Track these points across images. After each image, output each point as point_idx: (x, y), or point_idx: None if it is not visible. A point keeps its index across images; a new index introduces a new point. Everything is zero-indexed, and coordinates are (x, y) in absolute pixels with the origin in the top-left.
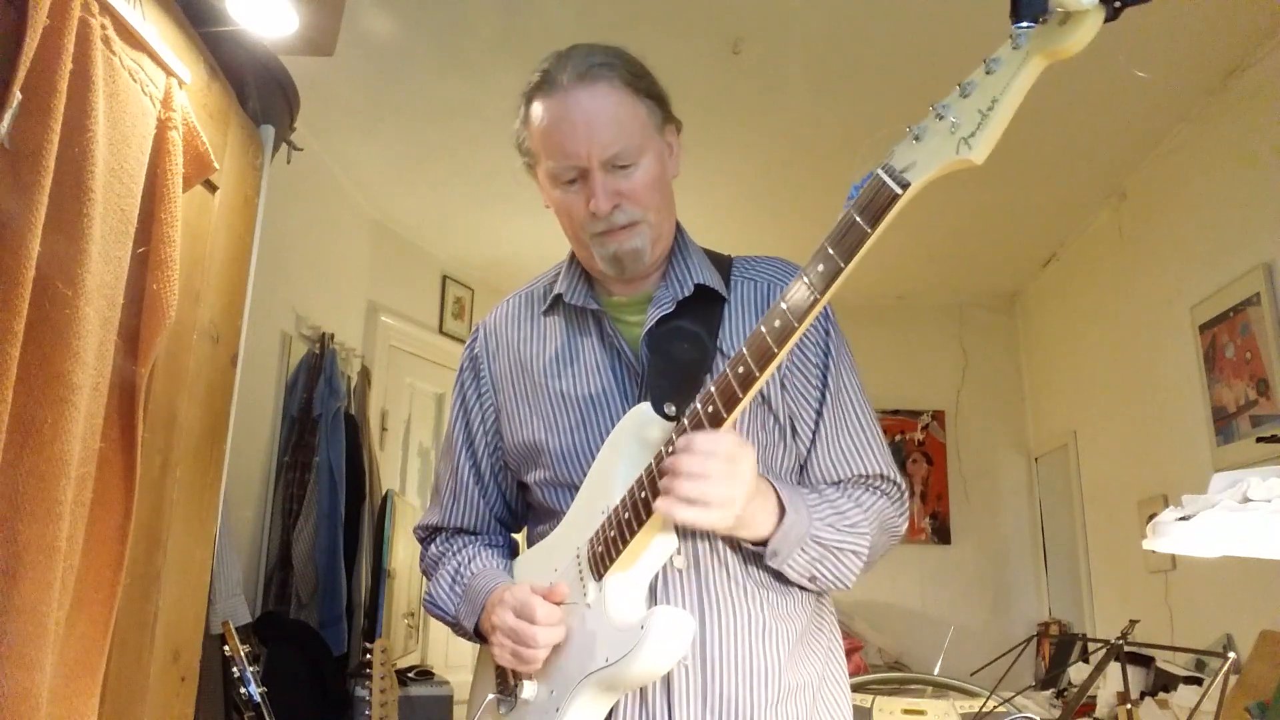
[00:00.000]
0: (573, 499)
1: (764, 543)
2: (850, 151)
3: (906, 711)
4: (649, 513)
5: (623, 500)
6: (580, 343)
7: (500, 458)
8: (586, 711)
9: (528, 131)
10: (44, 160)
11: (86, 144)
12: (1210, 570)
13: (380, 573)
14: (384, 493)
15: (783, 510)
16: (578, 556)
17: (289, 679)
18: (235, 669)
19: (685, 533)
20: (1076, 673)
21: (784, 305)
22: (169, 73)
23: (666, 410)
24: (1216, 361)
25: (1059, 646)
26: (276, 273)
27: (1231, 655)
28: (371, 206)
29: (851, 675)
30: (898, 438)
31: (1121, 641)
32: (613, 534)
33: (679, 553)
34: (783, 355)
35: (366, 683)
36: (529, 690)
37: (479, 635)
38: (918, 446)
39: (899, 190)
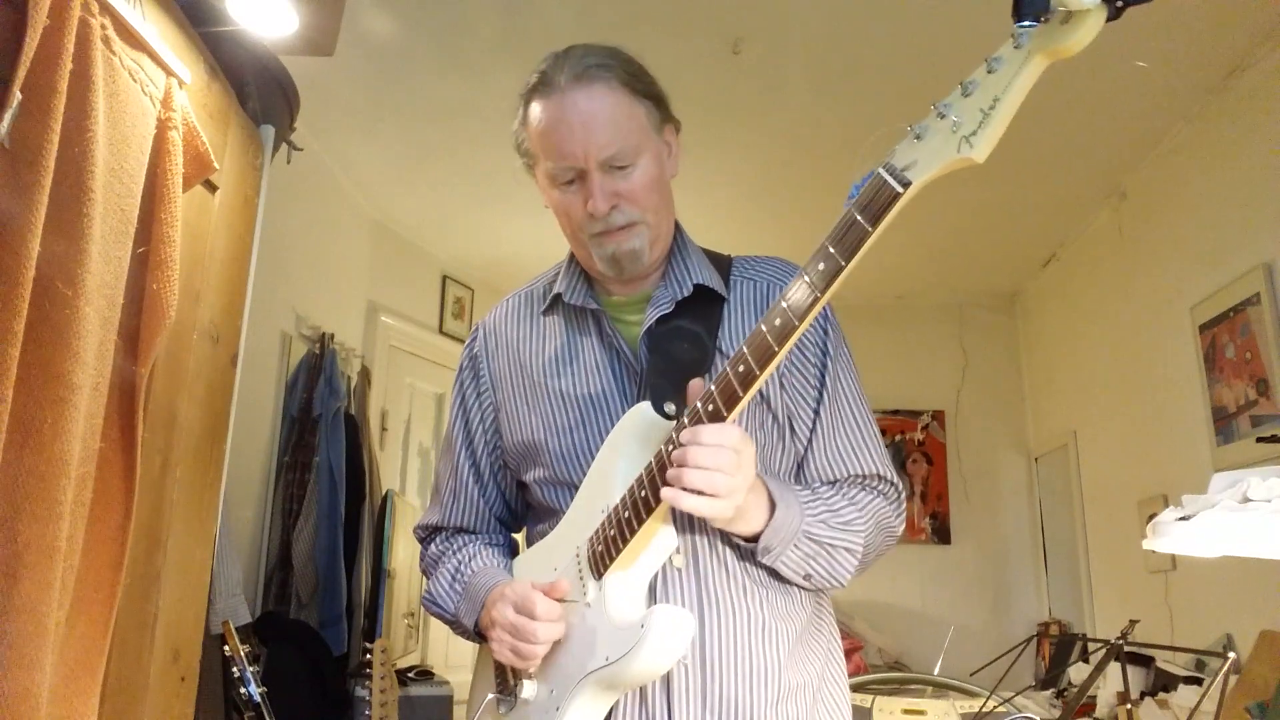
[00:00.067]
0: (572, 498)
1: (755, 539)
2: (850, 151)
3: (906, 711)
4: (649, 511)
5: (623, 499)
6: (580, 342)
7: (500, 457)
8: (586, 710)
9: (526, 132)
10: (44, 160)
11: (86, 144)
12: (1210, 570)
13: (380, 573)
14: (384, 493)
15: (773, 506)
16: (577, 555)
17: (289, 679)
18: (235, 669)
19: (685, 531)
20: (1076, 673)
21: (785, 304)
22: (169, 73)
23: (666, 410)
24: (1216, 361)
25: (1059, 646)
26: (276, 273)
27: (1231, 655)
28: (371, 206)
29: (851, 675)
30: (898, 438)
31: (1121, 641)
32: (613, 533)
33: (678, 552)
34: (783, 354)
35: (366, 683)
36: (529, 689)
37: (479, 634)
38: (918, 446)
39: (900, 189)
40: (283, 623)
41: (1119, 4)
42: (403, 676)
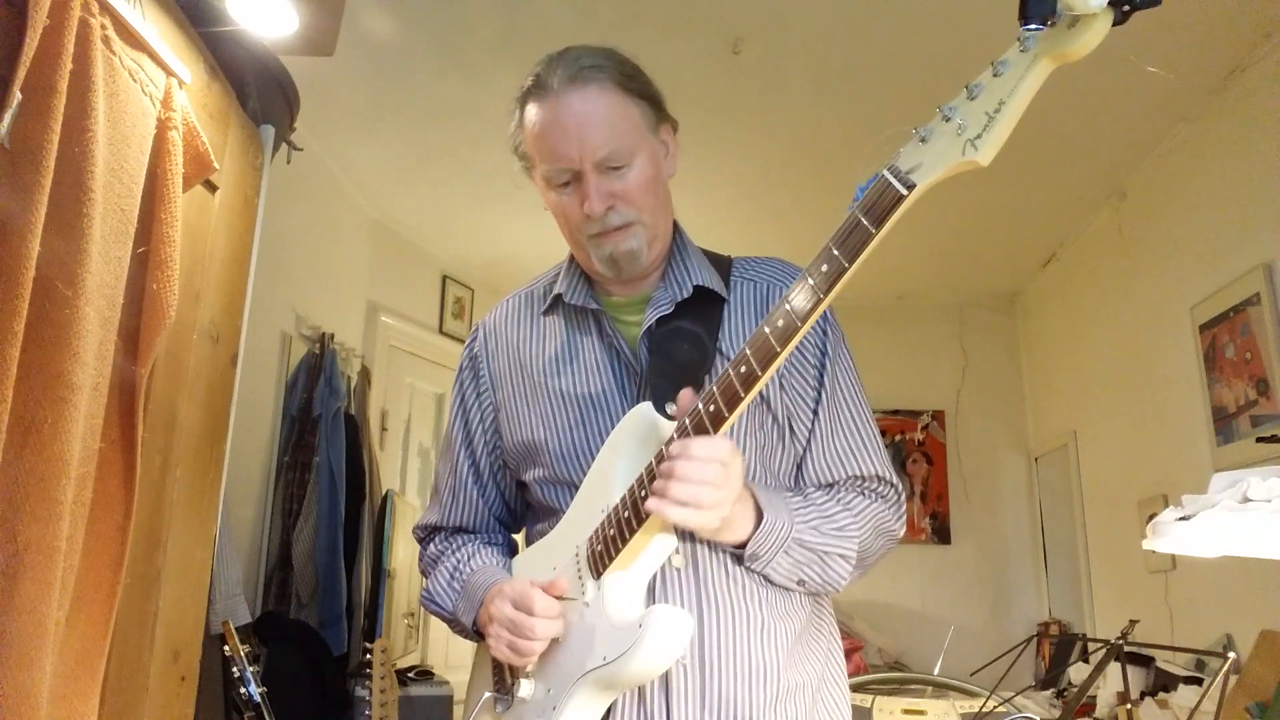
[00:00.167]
0: (572, 497)
1: (744, 545)
2: (850, 152)
3: (906, 711)
4: (649, 512)
5: (622, 499)
6: (580, 342)
7: (499, 457)
8: (584, 710)
9: (522, 135)
10: (44, 160)
11: (86, 144)
12: (1210, 570)
13: (380, 573)
14: (384, 493)
15: (760, 515)
16: (576, 555)
17: (289, 679)
18: (235, 669)
19: (684, 532)
20: (1076, 673)
21: (788, 305)
22: (169, 73)
23: (668, 410)
24: (1216, 361)
25: (1059, 646)
26: (276, 273)
27: (1231, 655)
28: (371, 206)
29: (851, 675)
30: (898, 438)
31: (1121, 641)
32: (612, 533)
33: (678, 552)
34: (785, 355)
35: (366, 683)
36: (526, 689)
37: (477, 633)
38: (918, 446)
39: (904, 191)
40: (283, 623)
41: (1125, 8)
42: (403, 676)
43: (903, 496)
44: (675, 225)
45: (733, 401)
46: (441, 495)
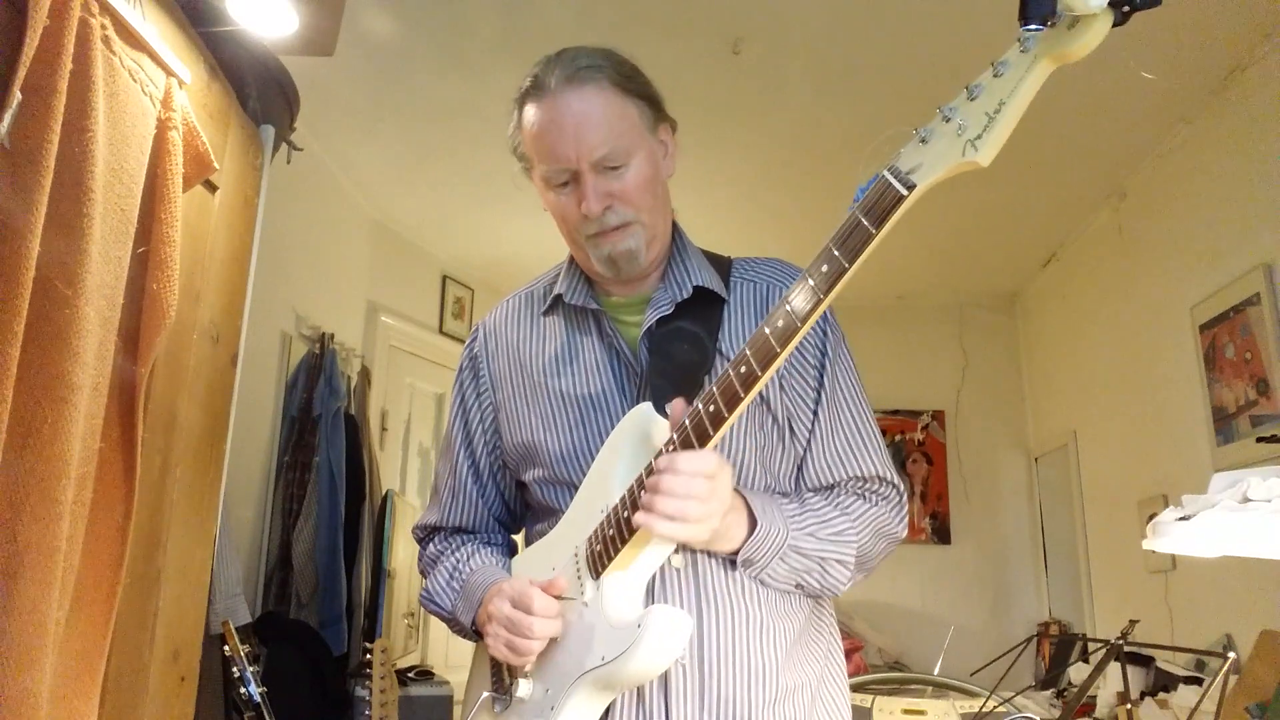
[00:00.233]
0: (571, 498)
1: (738, 552)
2: (850, 152)
3: (906, 711)
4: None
5: (622, 499)
6: (580, 342)
7: (499, 457)
8: (582, 710)
9: (521, 136)
10: (44, 160)
11: (86, 144)
12: (1210, 570)
13: (380, 573)
14: (384, 493)
15: (753, 524)
16: (576, 555)
17: (289, 679)
18: (235, 669)
19: None
20: (1076, 673)
21: (788, 305)
22: (169, 73)
23: (668, 411)
24: (1216, 361)
25: (1059, 646)
26: (276, 273)
27: (1231, 655)
28: (371, 206)
29: (851, 675)
30: (898, 438)
31: (1121, 641)
32: (611, 533)
33: (677, 552)
34: (785, 355)
35: (366, 683)
36: (524, 688)
37: (476, 632)
38: (918, 446)
39: (905, 192)
40: (283, 623)
41: (1125, 8)
42: (403, 676)
43: (904, 497)
44: (675, 226)
45: (732, 402)
46: (441, 495)
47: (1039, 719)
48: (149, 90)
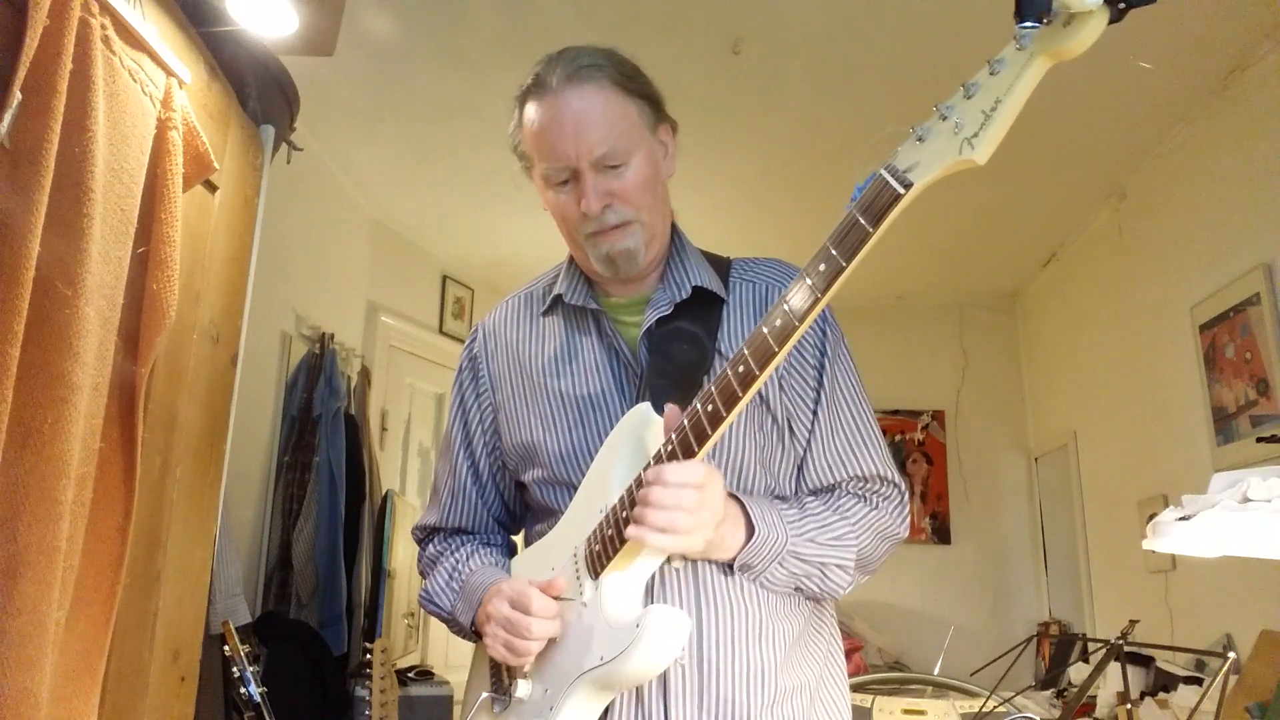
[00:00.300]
0: (570, 498)
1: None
2: (850, 152)
3: (906, 711)
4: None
5: (620, 499)
6: (579, 342)
7: (498, 458)
8: (581, 710)
9: (521, 135)
10: (44, 160)
11: (86, 144)
12: (1210, 570)
13: (380, 573)
14: (384, 493)
15: (751, 530)
16: (575, 555)
17: (289, 679)
18: (235, 669)
19: None
20: (1076, 673)
21: (785, 305)
22: (169, 73)
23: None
24: (1216, 361)
25: (1059, 646)
26: (276, 273)
27: (1231, 655)
28: (371, 206)
29: (851, 675)
30: (898, 438)
31: (1121, 641)
32: (610, 533)
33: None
34: (783, 354)
35: (366, 683)
36: (523, 689)
37: (475, 632)
38: (918, 446)
39: (902, 190)
40: (283, 623)
41: (1121, 5)
42: (403, 676)
43: (905, 496)
44: (674, 226)
45: (730, 402)
46: (440, 496)
47: (1039, 719)
48: (149, 90)
